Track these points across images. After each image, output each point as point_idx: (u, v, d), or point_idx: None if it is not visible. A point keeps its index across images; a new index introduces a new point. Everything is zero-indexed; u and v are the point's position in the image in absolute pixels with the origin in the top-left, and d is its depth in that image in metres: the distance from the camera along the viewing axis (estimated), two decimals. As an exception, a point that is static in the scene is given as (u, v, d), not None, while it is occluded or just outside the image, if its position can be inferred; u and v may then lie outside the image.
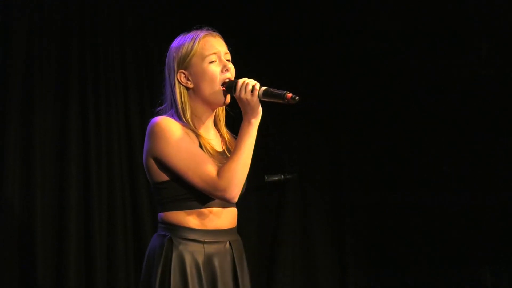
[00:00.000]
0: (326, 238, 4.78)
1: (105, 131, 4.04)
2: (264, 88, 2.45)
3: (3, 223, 3.75)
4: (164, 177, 2.51)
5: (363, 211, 4.87)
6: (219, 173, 2.42)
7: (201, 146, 2.51)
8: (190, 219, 2.50)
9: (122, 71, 4.15)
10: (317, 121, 4.79)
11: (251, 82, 2.46)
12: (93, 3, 4.07)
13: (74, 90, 3.98)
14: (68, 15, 4.00)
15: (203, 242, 2.50)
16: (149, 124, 2.52)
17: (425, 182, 4.81)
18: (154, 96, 4.20)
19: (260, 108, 2.46)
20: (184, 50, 2.53)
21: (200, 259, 2.49)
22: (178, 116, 2.53)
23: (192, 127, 2.53)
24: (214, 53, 2.53)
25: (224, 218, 2.55)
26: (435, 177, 4.80)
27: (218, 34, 2.59)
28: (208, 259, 2.50)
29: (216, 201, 2.52)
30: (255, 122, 2.46)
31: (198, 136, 2.53)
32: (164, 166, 2.48)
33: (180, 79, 2.54)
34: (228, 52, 2.59)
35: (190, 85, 2.54)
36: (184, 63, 2.53)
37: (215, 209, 2.54)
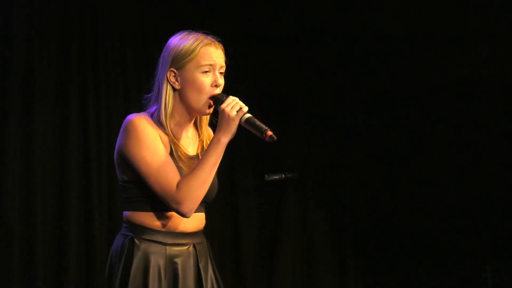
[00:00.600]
0: (326, 237, 4.79)
1: (106, 132, 4.05)
2: (249, 115, 2.44)
3: (3, 223, 3.75)
4: (130, 176, 2.48)
5: (363, 210, 4.87)
6: (178, 185, 2.40)
7: (172, 152, 2.49)
8: (153, 220, 2.47)
9: (122, 71, 4.16)
10: (318, 121, 4.79)
11: (241, 104, 2.45)
12: (94, 5, 4.07)
13: (74, 91, 3.99)
14: (69, 17, 4.00)
15: (165, 244, 2.48)
16: (125, 120, 2.49)
17: (425, 182, 4.81)
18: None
19: (235, 131, 2.44)
20: (182, 51, 2.49)
21: (162, 261, 2.47)
22: (159, 113, 2.51)
23: (168, 130, 2.50)
24: (210, 65, 2.49)
25: (189, 221, 2.50)
26: (435, 177, 4.80)
27: (220, 45, 2.54)
28: (170, 261, 2.48)
29: None
30: (225, 141, 2.42)
31: (172, 141, 2.50)
32: (129, 165, 2.46)
33: (169, 78, 2.51)
34: (224, 65, 2.54)
35: (177, 86, 2.51)
36: (178, 63, 2.49)
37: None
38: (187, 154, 2.53)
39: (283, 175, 4.60)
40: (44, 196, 3.87)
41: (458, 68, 4.68)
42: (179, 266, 2.48)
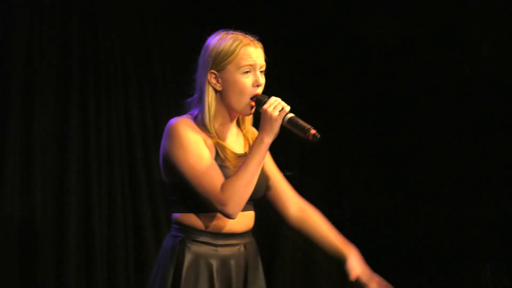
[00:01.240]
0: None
1: (106, 132, 4.05)
2: (292, 115, 2.43)
3: (3, 224, 3.75)
4: (176, 178, 2.47)
5: (362, 210, 4.87)
6: (222, 187, 2.38)
7: (218, 153, 2.48)
8: (203, 221, 2.47)
9: (123, 71, 4.15)
10: (318, 121, 4.76)
11: (283, 104, 2.44)
12: (94, 3, 4.07)
13: (75, 91, 3.98)
14: (69, 15, 4.00)
15: (216, 245, 2.47)
16: (167, 125, 2.48)
17: (424, 182, 4.81)
18: (154, 96, 4.25)
19: (277, 131, 2.42)
20: (222, 52, 2.47)
21: (214, 263, 2.46)
22: (203, 115, 2.50)
23: (212, 131, 2.49)
24: (251, 65, 2.48)
25: (238, 221, 2.48)
26: (434, 177, 4.80)
27: (260, 44, 2.53)
28: (223, 263, 2.47)
29: None
30: (268, 141, 2.41)
31: (216, 142, 2.50)
32: (174, 168, 2.45)
33: (210, 80, 2.49)
34: (264, 64, 2.53)
35: (219, 87, 2.49)
36: (219, 65, 2.48)
37: None
38: (234, 153, 2.52)
39: (283, 173, 4.59)
40: (44, 195, 3.86)
41: (458, 66, 4.68)
42: (233, 268, 2.48)
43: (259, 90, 2.50)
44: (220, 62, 2.48)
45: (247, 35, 2.52)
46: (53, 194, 3.90)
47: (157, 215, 4.13)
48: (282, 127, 2.43)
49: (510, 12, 4.39)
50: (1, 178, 3.76)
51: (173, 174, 2.47)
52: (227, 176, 2.41)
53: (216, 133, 2.51)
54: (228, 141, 2.55)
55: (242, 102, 2.49)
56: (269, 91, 2.52)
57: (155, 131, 4.17)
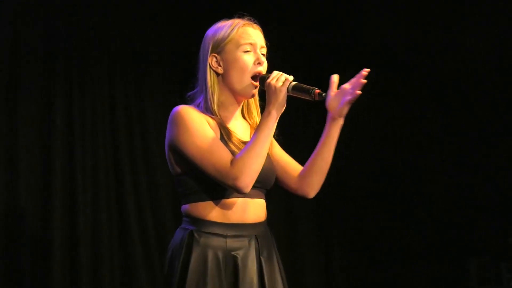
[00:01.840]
0: (311, 233, 4.79)
1: (90, 132, 4.02)
2: (295, 82, 2.42)
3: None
4: (183, 168, 2.44)
5: (349, 205, 4.87)
6: (232, 161, 2.35)
7: (222, 136, 2.46)
8: (212, 211, 2.43)
9: (108, 68, 4.13)
10: (304, 118, 4.76)
11: (286, 75, 2.42)
12: (79, 4, 4.04)
13: (59, 87, 3.96)
14: (55, 14, 3.97)
15: (225, 236, 2.42)
16: (170, 113, 2.46)
17: (411, 177, 4.83)
18: (140, 91, 4.23)
19: (285, 103, 2.40)
20: (221, 34, 2.48)
21: (221, 254, 2.41)
22: (206, 101, 2.48)
23: (216, 116, 2.48)
24: (250, 44, 2.48)
25: (249, 210, 2.46)
26: (420, 172, 4.82)
27: (259, 26, 2.53)
28: (230, 254, 2.42)
29: (236, 192, 2.42)
30: (276, 114, 2.39)
31: (220, 125, 2.48)
32: (181, 155, 2.43)
33: (211, 63, 2.48)
34: (265, 46, 2.52)
35: (220, 70, 2.49)
36: (218, 47, 2.48)
37: (238, 201, 2.45)
38: (238, 138, 2.50)
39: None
40: (29, 192, 3.84)
41: (454, 63, 4.69)
42: (239, 259, 2.42)
43: (261, 69, 2.49)
44: (220, 43, 2.48)
45: (244, 17, 2.53)
46: (38, 191, 3.87)
47: (144, 215, 4.12)
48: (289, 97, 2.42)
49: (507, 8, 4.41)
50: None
51: (180, 163, 2.45)
52: (232, 155, 2.39)
53: (220, 117, 2.50)
54: (232, 127, 2.53)
55: (244, 81, 2.48)
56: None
57: (141, 126, 4.16)
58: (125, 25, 4.20)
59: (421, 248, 4.78)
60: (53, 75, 3.95)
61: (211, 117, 2.48)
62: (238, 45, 2.48)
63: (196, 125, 2.42)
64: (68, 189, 3.93)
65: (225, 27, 2.50)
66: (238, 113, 2.56)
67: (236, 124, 2.55)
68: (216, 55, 2.49)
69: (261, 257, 2.46)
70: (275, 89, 2.38)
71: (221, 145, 2.41)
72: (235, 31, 2.48)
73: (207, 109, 2.49)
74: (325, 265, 4.83)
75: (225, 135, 2.47)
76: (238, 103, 2.55)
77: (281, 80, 2.40)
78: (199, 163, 2.39)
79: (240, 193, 2.39)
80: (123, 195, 4.07)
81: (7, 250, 3.76)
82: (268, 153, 2.46)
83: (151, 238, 4.08)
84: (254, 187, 2.40)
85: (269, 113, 2.39)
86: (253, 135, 2.40)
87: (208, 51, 2.50)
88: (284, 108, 2.41)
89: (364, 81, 2.42)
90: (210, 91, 2.49)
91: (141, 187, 4.11)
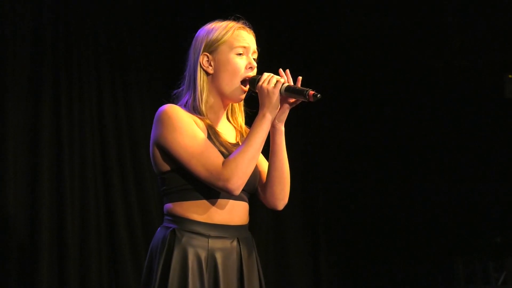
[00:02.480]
0: (299, 233, 4.79)
1: (78, 128, 4.00)
2: (287, 84, 2.41)
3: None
4: (168, 167, 2.42)
5: (337, 206, 4.88)
6: (224, 163, 2.34)
7: (210, 136, 2.44)
8: (196, 211, 2.41)
9: (96, 67, 4.11)
10: (291, 128, 4.74)
11: (277, 77, 2.41)
12: (68, 2, 4.02)
13: (47, 86, 3.93)
14: (41, 13, 3.94)
15: (208, 236, 2.40)
16: (157, 112, 2.44)
17: (400, 178, 4.84)
18: (128, 92, 4.22)
19: (278, 105, 2.40)
20: (215, 34, 2.47)
21: (203, 254, 2.39)
22: (194, 100, 2.47)
23: (203, 116, 2.46)
24: (244, 47, 2.47)
25: (233, 212, 2.44)
26: (410, 172, 4.83)
27: (252, 31, 2.52)
28: (211, 255, 2.39)
29: (224, 193, 2.41)
30: (270, 116, 2.39)
31: (208, 125, 2.46)
32: (168, 154, 2.40)
33: (202, 62, 2.47)
34: (256, 51, 2.52)
35: (211, 70, 2.47)
36: (212, 47, 2.46)
37: (223, 202, 2.43)
38: (225, 139, 2.48)
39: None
40: (16, 190, 3.82)
41: (431, 59, 4.70)
42: (220, 261, 2.41)
43: (251, 74, 2.48)
44: (214, 43, 2.47)
45: (239, 21, 2.51)
46: (25, 191, 3.85)
47: (131, 214, 4.11)
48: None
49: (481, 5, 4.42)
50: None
51: (165, 161, 2.42)
52: (222, 156, 2.38)
53: (207, 117, 2.48)
54: (219, 128, 2.52)
55: (233, 84, 2.47)
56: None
57: (128, 126, 4.14)
58: (113, 28, 4.18)
59: (409, 247, 4.79)
60: (40, 76, 3.93)
61: (199, 117, 2.46)
62: (231, 47, 2.46)
63: (184, 124, 2.40)
64: (55, 189, 3.92)
65: (220, 28, 2.48)
66: (223, 115, 2.55)
67: (222, 125, 2.54)
68: (208, 54, 2.47)
69: (242, 260, 2.45)
70: (268, 92, 2.38)
71: (210, 145, 2.39)
72: (230, 33, 2.47)
73: (194, 108, 2.47)
74: (312, 269, 4.84)
75: (212, 135, 2.45)
76: (225, 106, 2.53)
77: (272, 82, 2.39)
78: (187, 163, 2.37)
79: (230, 194, 2.37)
80: (111, 196, 4.06)
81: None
82: None
83: (138, 238, 4.08)
84: None
85: (264, 115, 2.38)
86: (246, 137, 2.39)
87: (200, 50, 2.48)
88: (277, 110, 2.40)
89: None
90: (200, 90, 2.47)
91: (129, 187, 4.11)
